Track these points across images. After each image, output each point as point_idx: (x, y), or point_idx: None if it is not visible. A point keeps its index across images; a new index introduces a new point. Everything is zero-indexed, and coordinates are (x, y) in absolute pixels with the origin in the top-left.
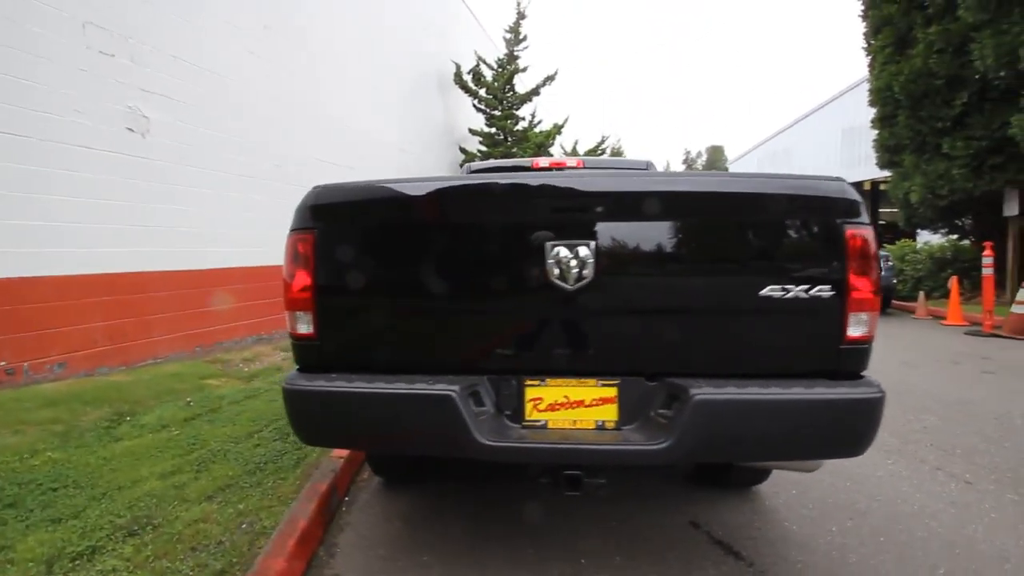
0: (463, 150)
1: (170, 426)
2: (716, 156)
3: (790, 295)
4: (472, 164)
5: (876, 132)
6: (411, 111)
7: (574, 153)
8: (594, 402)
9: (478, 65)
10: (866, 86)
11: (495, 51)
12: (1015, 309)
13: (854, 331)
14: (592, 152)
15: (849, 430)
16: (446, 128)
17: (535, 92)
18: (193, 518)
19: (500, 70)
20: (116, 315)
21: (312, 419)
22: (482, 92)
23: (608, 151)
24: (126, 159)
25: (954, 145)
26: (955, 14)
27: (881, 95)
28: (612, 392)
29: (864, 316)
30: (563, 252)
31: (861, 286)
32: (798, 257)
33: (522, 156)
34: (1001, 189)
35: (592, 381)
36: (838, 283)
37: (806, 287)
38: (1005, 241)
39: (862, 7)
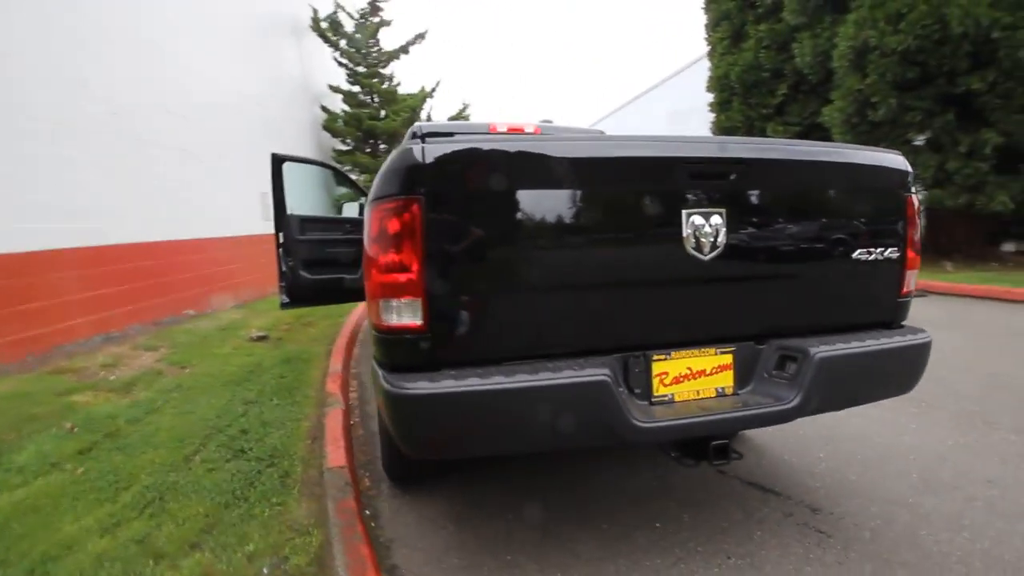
0: (325, 109)
1: (63, 463)
2: None
3: (872, 257)
4: (422, 125)
5: (714, 115)
6: (263, 59)
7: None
8: (714, 370)
9: (336, 12)
10: (688, 74)
11: (356, 2)
12: None
13: (907, 286)
14: (455, 118)
15: (914, 370)
16: (303, 83)
17: (403, 50)
18: None
19: (363, 21)
20: None
21: (444, 427)
22: (343, 44)
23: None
24: None
25: (775, 129)
26: (780, 15)
27: (719, 82)
28: (729, 359)
29: (914, 273)
30: (699, 220)
31: (915, 247)
32: (878, 222)
33: (393, 119)
34: None
35: (711, 350)
36: (901, 245)
37: (883, 249)
38: None
39: (704, 1)
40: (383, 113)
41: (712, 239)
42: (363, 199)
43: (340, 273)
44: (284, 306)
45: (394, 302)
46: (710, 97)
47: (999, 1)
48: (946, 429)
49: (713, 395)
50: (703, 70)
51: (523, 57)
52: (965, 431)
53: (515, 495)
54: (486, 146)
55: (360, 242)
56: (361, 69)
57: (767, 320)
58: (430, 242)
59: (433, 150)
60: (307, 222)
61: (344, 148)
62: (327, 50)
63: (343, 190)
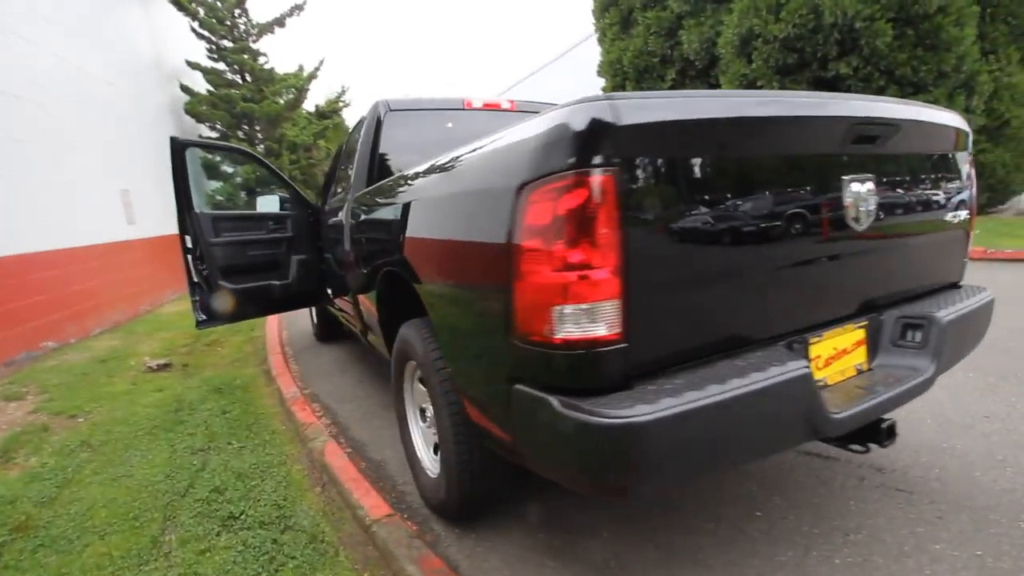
0: (187, 90)
1: None
2: None
3: (957, 220)
4: (390, 101)
5: None
6: (106, 29)
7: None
8: (852, 347)
9: None
10: (570, 57)
11: None
12: None
13: (971, 247)
14: (333, 103)
15: (988, 323)
16: (156, 58)
17: (279, 23)
18: None
19: None
20: None
21: (667, 455)
22: (202, 13)
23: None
24: None
25: None
26: (665, 3)
27: (612, 67)
28: (862, 334)
29: (972, 235)
30: (857, 188)
31: (974, 209)
32: (958, 183)
33: (274, 103)
34: None
35: (850, 326)
36: (969, 207)
37: (961, 212)
38: None
39: None
40: (264, 95)
41: (868, 208)
42: (281, 191)
43: (267, 279)
44: (201, 324)
45: (576, 308)
46: (599, 80)
47: None
48: None
49: (854, 374)
50: (583, 55)
51: (409, 36)
52: None
53: (584, 508)
54: (692, 104)
55: (289, 241)
56: (227, 43)
57: (887, 289)
58: (628, 227)
59: (629, 109)
60: (221, 221)
61: (213, 135)
62: (183, 20)
63: (216, 184)
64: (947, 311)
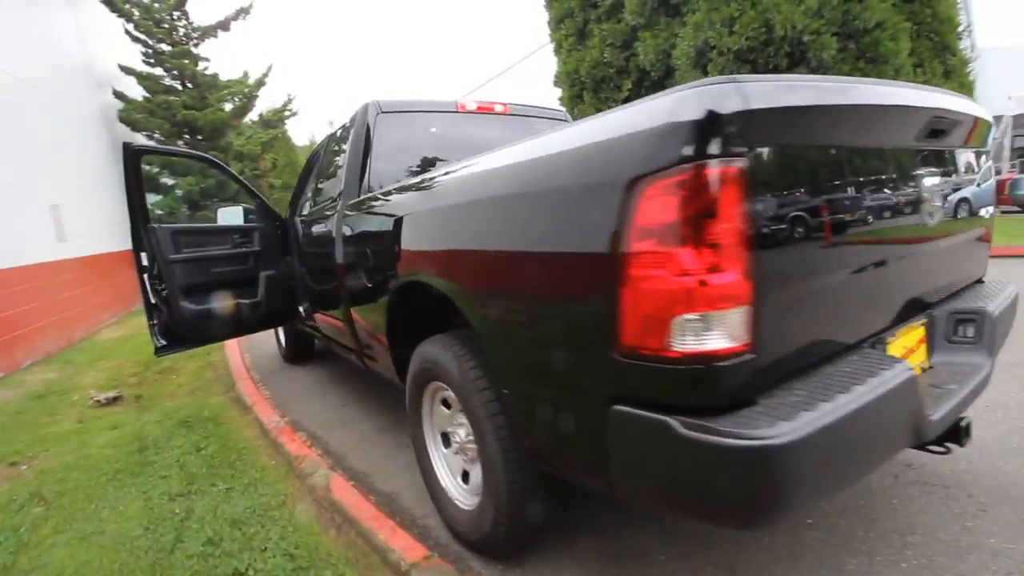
0: (121, 96)
1: None
2: None
3: (988, 215)
4: (381, 102)
5: (565, 110)
6: (28, 28)
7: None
8: (917, 345)
9: None
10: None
11: None
12: None
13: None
14: (279, 112)
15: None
16: (85, 62)
17: (223, 26)
18: None
19: None
20: None
21: (808, 476)
22: (137, 14)
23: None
24: None
25: None
26: (620, 15)
27: (569, 77)
28: (923, 332)
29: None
30: (930, 182)
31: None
32: (986, 177)
33: (219, 110)
34: None
35: (914, 324)
36: (993, 202)
37: (989, 207)
38: None
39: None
40: (207, 101)
41: (937, 203)
42: (244, 203)
43: (235, 298)
44: (161, 351)
45: (701, 317)
46: (556, 90)
47: (808, 9)
48: None
49: (919, 372)
50: (531, 67)
51: (360, 41)
52: None
53: (630, 529)
54: (825, 90)
55: (257, 255)
56: (165, 47)
57: (940, 285)
58: (758, 225)
59: (758, 93)
60: (181, 235)
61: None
62: (116, 22)
63: (157, 197)
64: (995, 304)
